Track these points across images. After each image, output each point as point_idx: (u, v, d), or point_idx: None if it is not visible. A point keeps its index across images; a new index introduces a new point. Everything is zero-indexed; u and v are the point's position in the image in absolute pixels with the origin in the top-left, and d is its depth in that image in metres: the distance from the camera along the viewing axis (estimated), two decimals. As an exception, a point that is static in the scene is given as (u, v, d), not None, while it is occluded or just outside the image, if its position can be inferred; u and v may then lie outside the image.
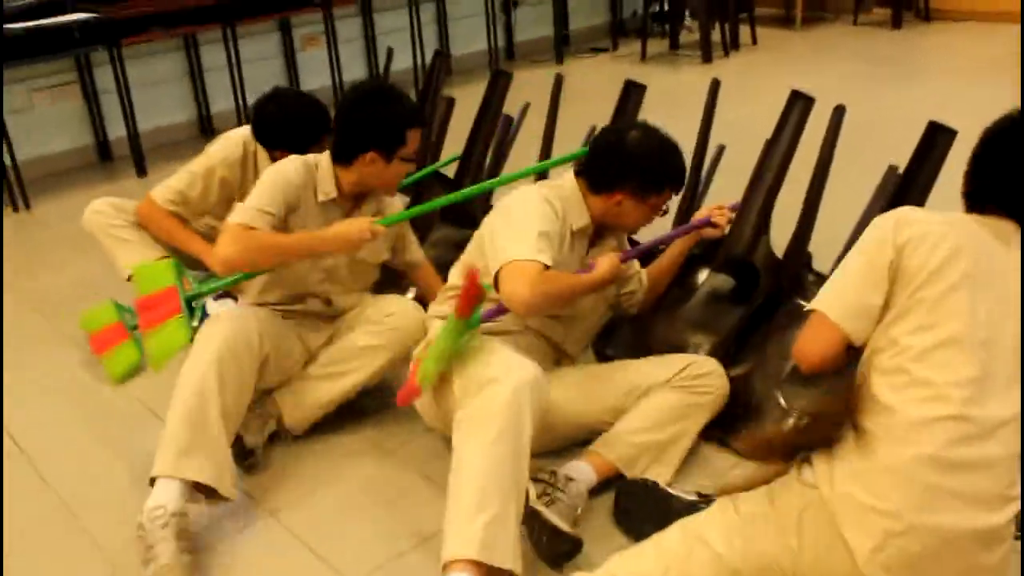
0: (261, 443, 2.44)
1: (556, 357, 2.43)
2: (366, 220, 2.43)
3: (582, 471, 2.18)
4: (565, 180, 2.34)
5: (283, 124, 2.99)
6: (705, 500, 2.04)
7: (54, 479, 2.43)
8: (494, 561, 1.78)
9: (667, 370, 2.29)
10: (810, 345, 1.75)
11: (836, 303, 1.73)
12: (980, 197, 1.77)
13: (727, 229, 2.54)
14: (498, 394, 1.89)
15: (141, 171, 4.99)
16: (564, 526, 1.98)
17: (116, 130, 5.21)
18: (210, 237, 3.02)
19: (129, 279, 2.99)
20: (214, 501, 2.16)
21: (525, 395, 1.90)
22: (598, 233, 2.38)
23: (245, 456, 2.39)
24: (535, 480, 2.07)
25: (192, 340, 2.45)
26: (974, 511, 1.58)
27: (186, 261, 3.08)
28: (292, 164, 2.46)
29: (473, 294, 2.00)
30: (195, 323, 2.58)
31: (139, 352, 2.87)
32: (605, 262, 2.23)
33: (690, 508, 1.98)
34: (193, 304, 2.65)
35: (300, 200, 2.43)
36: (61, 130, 5.14)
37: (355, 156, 2.44)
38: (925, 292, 1.64)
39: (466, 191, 2.99)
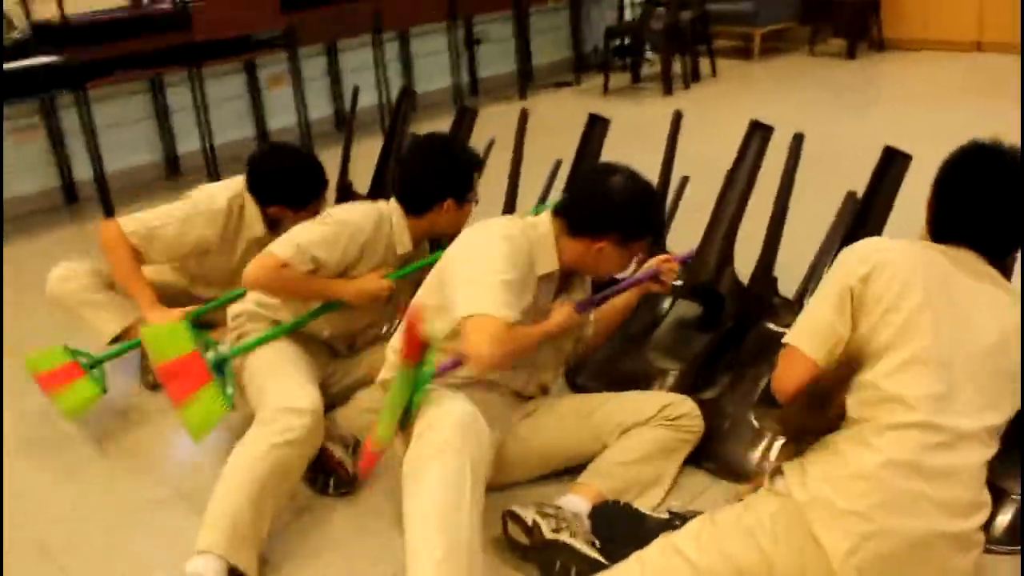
0: (354, 464, 2.42)
1: (518, 402, 2.41)
2: (384, 280, 2.56)
3: (581, 505, 2.17)
4: (540, 220, 2.28)
5: (282, 179, 2.92)
6: (678, 517, 2.07)
7: (35, 534, 2.40)
8: None
9: (648, 409, 2.31)
10: (786, 377, 1.83)
11: (805, 335, 1.81)
12: (944, 230, 1.86)
13: (671, 282, 2.48)
14: (429, 441, 1.89)
15: (108, 212, 4.96)
16: (598, 556, 1.98)
17: (82, 172, 5.20)
18: (160, 289, 2.98)
19: (112, 342, 2.95)
20: None
21: (456, 438, 1.88)
22: (565, 278, 2.34)
23: (349, 483, 2.40)
24: (543, 515, 2.08)
25: (232, 407, 2.47)
26: (945, 516, 1.64)
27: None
28: (368, 218, 2.54)
29: (414, 338, 1.93)
30: (229, 390, 2.49)
31: (97, 388, 2.75)
32: (559, 313, 2.23)
33: (664, 526, 2.02)
34: (223, 368, 2.54)
35: (371, 254, 2.54)
36: (26, 172, 5.12)
37: (431, 206, 2.58)
38: (890, 316, 1.72)
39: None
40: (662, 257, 2.48)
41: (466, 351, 2.01)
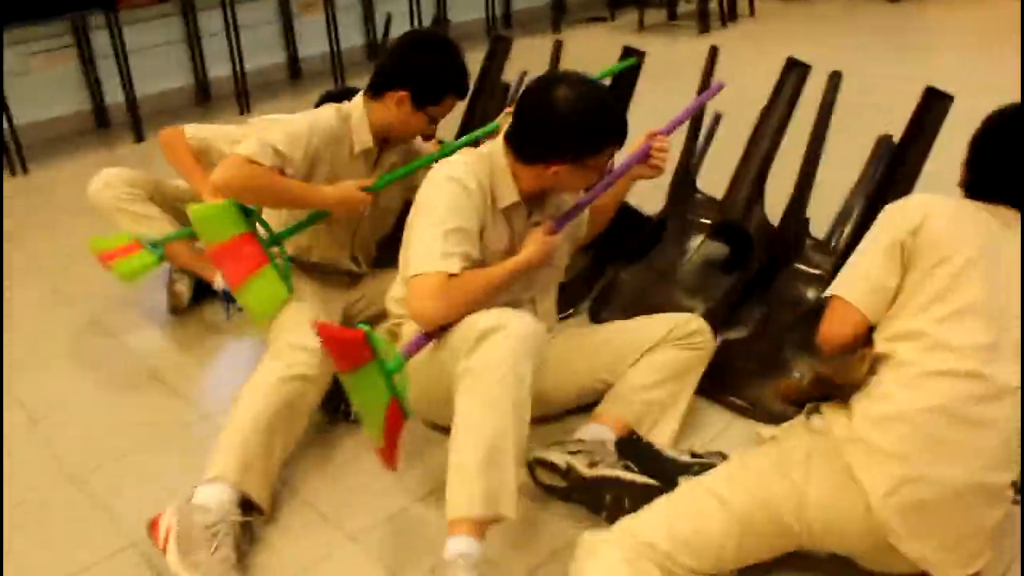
0: None
1: None
2: (361, 192, 2.45)
3: (604, 433, 2.16)
4: (494, 148, 2.13)
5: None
6: (699, 463, 2.07)
7: (60, 446, 2.43)
8: (499, 512, 1.79)
9: (658, 330, 2.29)
10: (833, 329, 1.83)
11: (854, 287, 1.81)
12: (982, 190, 1.85)
13: (665, 167, 2.27)
14: (499, 344, 1.85)
15: (139, 137, 4.98)
16: (646, 480, 1.97)
17: (113, 95, 5.19)
18: None
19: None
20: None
21: (527, 344, 1.87)
22: (535, 199, 2.18)
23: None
24: (572, 454, 2.07)
25: (291, 290, 2.42)
26: (983, 467, 1.65)
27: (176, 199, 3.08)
28: (324, 115, 2.44)
29: (341, 346, 1.84)
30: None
31: (155, 259, 2.81)
32: (530, 245, 2.09)
33: (684, 468, 2.04)
34: (277, 254, 2.51)
35: (332, 153, 2.42)
36: (58, 95, 5.12)
37: (386, 90, 2.43)
38: (942, 268, 1.73)
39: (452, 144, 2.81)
40: (648, 132, 2.23)
41: (410, 313, 2.00)
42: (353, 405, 2.07)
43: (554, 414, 2.37)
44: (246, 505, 2.03)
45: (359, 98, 2.52)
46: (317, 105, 2.87)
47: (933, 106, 2.45)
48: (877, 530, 1.66)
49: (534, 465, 2.12)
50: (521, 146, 2.07)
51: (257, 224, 2.45)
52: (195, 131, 3.03)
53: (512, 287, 2.11)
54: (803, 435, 1.78)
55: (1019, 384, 1.68)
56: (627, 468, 2.04)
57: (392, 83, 2.43)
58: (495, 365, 1.85)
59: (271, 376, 2.17)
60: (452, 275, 1.94)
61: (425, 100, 2.44)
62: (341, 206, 2.44)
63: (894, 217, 1.83)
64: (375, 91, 2.47)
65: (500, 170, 2.10)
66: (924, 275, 1.74)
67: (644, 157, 2.21)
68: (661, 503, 1.82)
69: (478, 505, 1.78)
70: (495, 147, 2.14)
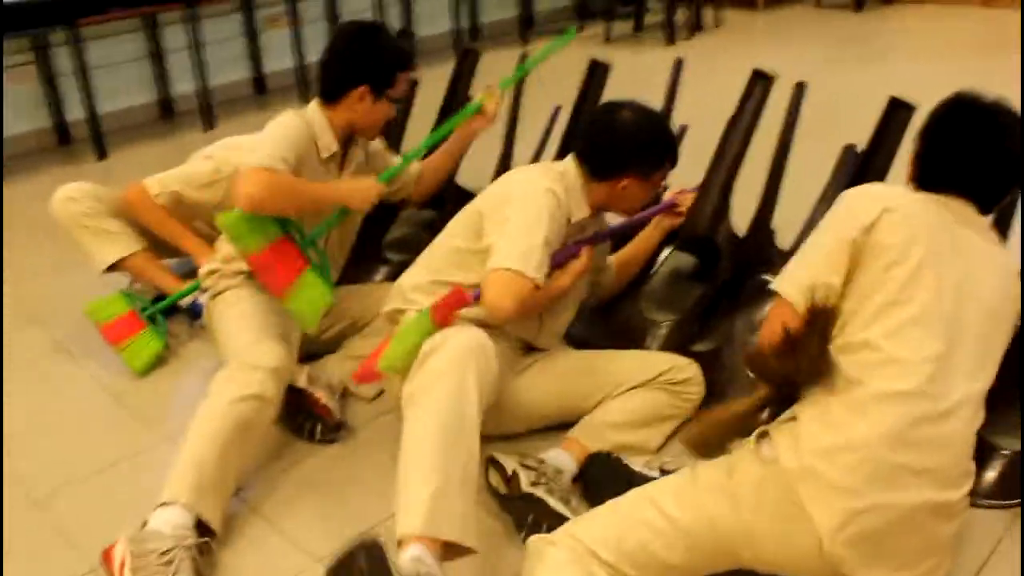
0: (341, 410, 2.42)
1: (526, 350, 2.40)
2: (376, 183, 2.52)
3: (565, 462, 2.16)
4: (567, 167, 2.29)
5: None
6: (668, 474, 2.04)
7: (21, 471, 2.38)
8: (440, 535, 1.75)
9: (650, 370, 2.29)
10: (767, 328, 1.79)
11: (793, 284, 1.76)
12: (933, 180, 1.81)
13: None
14: (435, 365, 1.88)
15: (101, 154, 4.92)
16: (569, 514, 1.97)
17: (75, 112, 5.12)
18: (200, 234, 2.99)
19: (105, 271, 2.95)
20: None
21: (466, 361, 1.88)
22: (592, 218, 2.36)
23: (336, 428, 2.38)
24: (524, 467, 2.08)
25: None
26: (934, 488, 1.62)
27: (165, 250, 3.05)
28: (291, 119, 2.44)
29: (458, 306, 2.02)
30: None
31: (161, 342, 2.81)
32: (575, 265, 2.25)
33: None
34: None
35: (305, 156, 2.42)
36: (18, 113, 5.05)
37: (344, 92, 2.47)
38: (893, 271, 1.67)
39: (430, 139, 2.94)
40: (677, 190, 2.51)
41: (485, 298, 2.03)
42: (405, 332, 2.09)
43: (531, 429, 2.35)
44: (202, 528, 1.99)
45: (314, 106, 2.52)
46: None
47: (896, 116, 2.46)
48: (831, 563, 1.63)
49: (489, 464, 2.13)
50: (596, 164, 2.26)
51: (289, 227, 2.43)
52: (159, 185, 2.95)
53: None
54: (752, 463, 1.72)
55: (973, 391, 1.65)
56: (566, 503, 2.03)
57: (348, 84, 2.46)
58: (434, 383, 1.85)
59: (224, 397, 2.14)
60: (537, 287, 2.05)
61: (383, 87, 2.48)
62: (356, 198, 2.49)
63: (849, 210, 1.77)
64: (332, 97, 2.49)
65: (574, 188, 2.26)
66: (875, 279, 1.69)
67: (671, 207, 2.54)
68: (607, 512, 1.78)
69: (419, 523, 1.74)
70: (567, 167, 2.28)
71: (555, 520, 1.95)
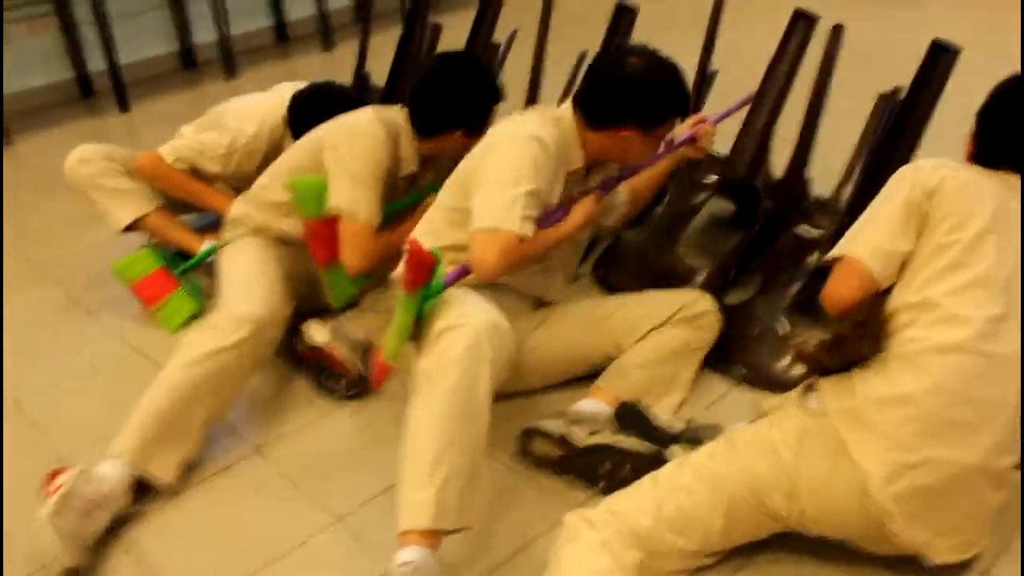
0: (365, 366, 2.39)
1: (537, 306, 2.35)
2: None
3: (603, 408, 2.13)
4: (564, 113, 2.17)
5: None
6: (693, 434, 2.01)
7: (49, 432, 2.37)
8: (447, 526, 1.73)
9: (665, 309, 2.25)
10: (840, 289, 1.75)
11: (866, 248, 1.73)
12: (992, 158, 1.80)
13: (710, 147, 2.39)
14: (453, 343, 1.81)
15: (123, 106, 4.87)
16: (642, 449, 1.95)
17: (96, 64, 5.06)
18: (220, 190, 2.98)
19: (123, 232, 2.93)
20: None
21: (482, 342, 1.81)
22: (587, 169, 2.25)
23: (358, 383, 2.37)
24: (570, 424, 2.04)
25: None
26: (987, 449, 1.58)
27: (181, 207, 3.02)
28: (378, 138, 2.39)
29: (422, 266, 1.89)
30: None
31: (196, 303, 2.79)
32: (580, 209, 2.13)
33: (675, 439, 1.99)
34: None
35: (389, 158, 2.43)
36: (39, 64, 4.99)
37: (441, 132, 2.47)
38: (957, 234, 1.66)
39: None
40: (697, 117, 2.35)
41: (471, 260, 1.96)
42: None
43: (551, 384, 2.32)
44: (144, 484, 2.04)
45: (405, 125, 2.49)
46: (292, 108, 2.88)
47: (939, 60, 2.34)
48: (873, 516, 1.60)
49: (528, 436, 2.08)
50: (595, 112, 2.11)
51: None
52: (174, 153, 2.90)
53: None
54: (797, 415, 1.70)
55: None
56: (627, 437, 1.99)
57: (445, 125, 2.47)
58: (447, 368, 1.79)
59: (199, 348, 2.14)
60: (523, 239, 1.95)
61: (478, 127, 2.45)
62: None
63: (909, 178, 1.76)
64: (427, 133, 2.49)
65: (570, 135, 2.13)
66: (938, 242, 1.67)
67: (691, 141, 2.32)
68: (647, 482, 1.76)
69: (424, 517, 1.72)
70: (564, 113, 2.16)
71: (634, 460, 1.94)
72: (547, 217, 2.10)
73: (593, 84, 2.14)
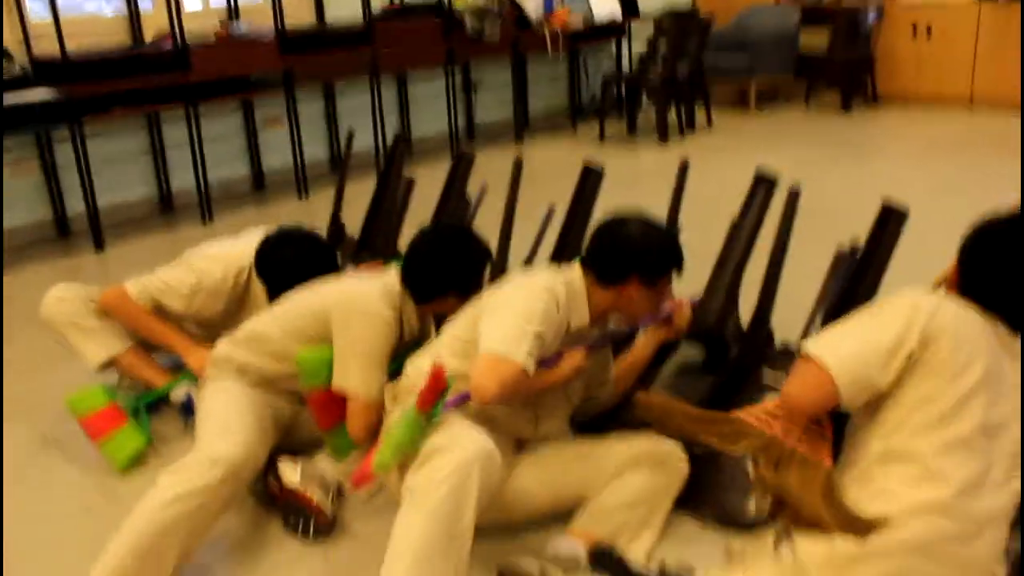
0: (334, 509, 2.40)
1: (518, 445, 2.40)
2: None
3: (577, 548, 2.15)
4: (574, 273, 2.33)
5: (297, 270, 2.82)
6: (666, 574, 2.03)
7: (14, 569, 2.33)
8: None
9: (634, 451, 2.30)
10: (805, 391, 1.72)
11: (843, 364, 1.68)
12: (976, 295, 1.77)
13: (683, 328, 2.52)
14: (443, 465, 1.87)
15: (99, 246, 4.95)
16: None
17: (75, 205, 5.17)
18: (186, 329, 3.02)
19: (99, 370, 2.96)
20: None
21: (472, 467, 1.87)
22: (592, 326, 2.37)
23: (328, 527, 2.37)
24: (548, 564, 2.06)
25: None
26: None
27: (152, 346, 3.05)
28: (388, 322, 2.48)
29: (438, 389, 1.98)
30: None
31: (144, 437, 2.79)
32: (569, 360, 2.25)
33: None
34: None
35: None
36: (19, 204, 5.09)
37: (437, 297, 2.58)
38: (949, 388, 1.64)
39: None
40: (673, 301, 2.50)
41: (472, 379, 2.02)
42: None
43: (524, 521, 2.34)
44: None
45: (404, 292, 2.59)
46: (260, 252, 2.93)
47: (889, 222, 2.50)
48: None
49: (503, 572, 2.09)
50: (603, 271, 2.29)
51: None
52: (139, 288, 2.96)
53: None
54: (771, 567, 1.71)
55: (1000, 508, 1.65)
56: None
57: (441, 292, 2.57)
58: (437, 484, 1.84)
59: (168, 491, 2.13)
60: (525, 374, 2.03)
61: (469, 291, 2.56)
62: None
63: (907, 315, 1.70)
64: (424, 299, 2.60)
65: (577, 294, 2.30)
66: (925, 394, 1.65)
67: (668, 320, 2.48)
68: None
69: None
70: (573, 274, 2.33)
71: None
72: (540, 362, 2.19)
73: (599, 247, 2.34)
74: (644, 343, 2.56)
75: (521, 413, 2.29)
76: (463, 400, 2.12)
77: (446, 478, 1.84)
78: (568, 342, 2.28)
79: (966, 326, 1.71)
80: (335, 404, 2.47)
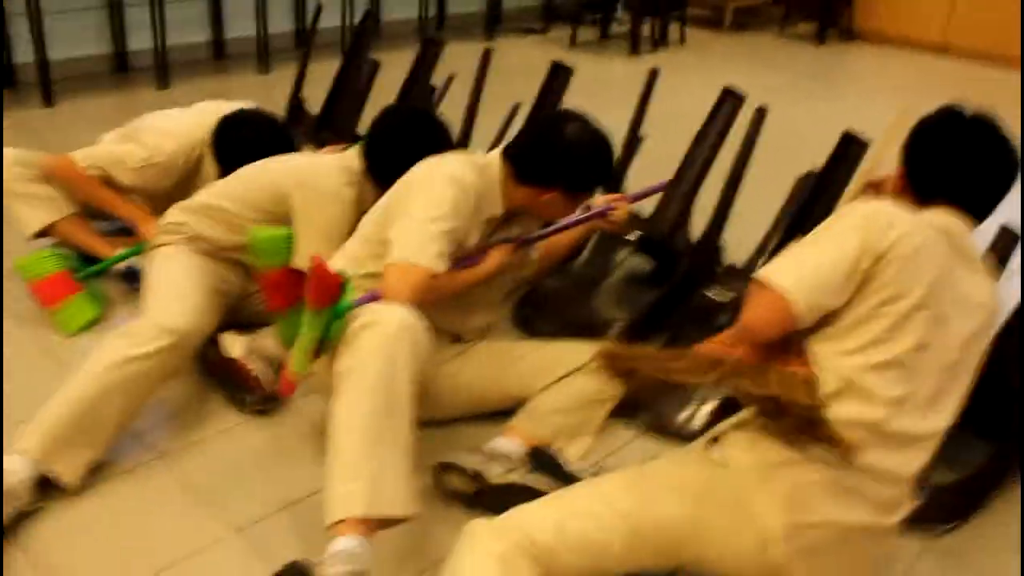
0: (276, 384, 2.39)
1: (454, 341, 2.39)
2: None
3: (516, 447, 2.17)
4: (490, 160, 2.24)
5: (254, 152, 2.73)
6: (599, 475, 2.06)
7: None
8: (382, 513, 1.75)
9: (578, 358, 2.32)
10: (761, 315, 1.69)
11: (799, 289, 1.65)
12: (928, 192, 1.77)
13: (621, 226, 2.48)
14: (370, 338, 1.86)
15: (48, 100, 4.79)
16: (548, 490, 1.95)
17: (23, 55, 4.97)
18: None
19: (34, 237, 2.90)
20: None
21: (400, 334, 1.86)
22: (506, 217, 2.30)
23: (267, 400, 2.37)
24: (484, 461, 2.08)
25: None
26: (878, 513, 1.68)
27: (91, 212, 3.00)
28: (347, 202, 2.44)
29: (323, 285, 1.91)
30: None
31: (98, 308, 2.76)
32: (494, 256, 2.22)
33: None
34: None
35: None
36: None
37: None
38: (889, 308, 1.63)
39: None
40: (614, 196, 2.46)
41: (383, 290, 2.00)
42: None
43: (463, 416, 2.36)
44: (46, 482, 2.02)
45: (364, 172, 2.52)
46: (219, 132, 2.88)
47: (849, 150, 2.51)
48: (770, 569, 1.66)
49: (441, 470, 2.11)
50: (525, 168, 2.19)
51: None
52: (89, 159, 2.88)
53: None
54: (702, 464, 1.75)
55: (929, 431, 1.69)
56: (537, 478, 2.03)
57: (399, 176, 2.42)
58: (366, 361, 1.84)
59: (117, 353, 2.13)
60: (434, 275, 2.00)
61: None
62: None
63: (860, 233, 1.65)
64: (386, 182, 2.38)
65: (492, 183, 2.20)
66: (869, 312, 1.64)
67: (604, 214, 2.42)
68: (554, 499, 1.79)
69: (358, 504, 1.74)
70: (490, 160, 2.22)
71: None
72: (463, 259, 2.17)
73: (529, 142, 2.22)
74: (581, 230, 2.51)
75: (448, 307, 2.25)
76: (372, 299, 2.05)
77: (375, 351, 1.84)
78: (495, 230, 2.25)
79: (916, 232, 1.66)
80: (288, 286, 2.42)
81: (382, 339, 1.85)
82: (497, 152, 2.26)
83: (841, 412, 1.65)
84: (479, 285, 2.25)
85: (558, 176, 2.18)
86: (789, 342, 1.75)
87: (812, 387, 1.66)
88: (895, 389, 1.64)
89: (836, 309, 1.67)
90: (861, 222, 1.68)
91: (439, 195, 2.07)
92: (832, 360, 1.68)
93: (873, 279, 1.64)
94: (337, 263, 2.24)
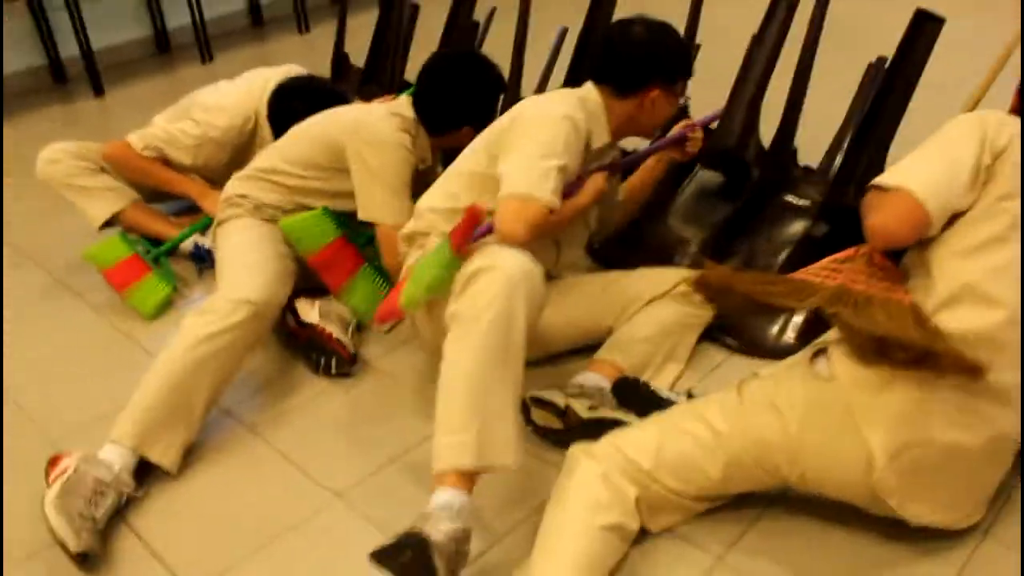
0: (355, 344, 2.42)
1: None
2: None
3: (603, 381, 2.14)
4: (587, 91, 2.21)
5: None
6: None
7: (35, 411, 2.35)
8: (491, 463, 1.73)
9: (664, 284, 2.29)
10: (893, 222, 1.63)
11: (928, 189, 1.60)
12: None
13: (696, 151, 2.43)
14: (488, 283, 1.79)
15: (98, 91, 4.81)
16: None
17: (69, 49, 4.99)
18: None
19: (101, 228, 2.94)
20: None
21: (518, 284, 1.79)
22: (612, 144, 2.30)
23: (351, 362, 2.37)
24: (573, 396, 2.05)
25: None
26: (992, 434, 1.60)
27: (153, 194, 3.03)
28: (404, 148, 2.44)
29: (474, 226, 1.93)
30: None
31: (170, 286, 2.78)
32: (592, 184, 2.17)
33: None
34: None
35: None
36: (11, 50, 4.92)
37: (451, 130, 2.53)
38: (1006, 203, 1.59)
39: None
40: (685, 122, 2.41)
41: (499, 226, 1.95)
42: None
43: (550, 355, 2.34)
44: (144, 467, 2.05)
45: (416, 121, 2.53)
46: (272, 103, 2.88)
47: (923, 29, 2.36)
48: (877, 488, 1.61)
49: (530, 404, 2.08)
50: (621, 79, 2.18)
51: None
52: (144, 141, 2.92)
53: None
54: (805, 379, 1.68)
55: None
56: (626, 413, 2.01)
57: (455, 125, 2.53)
58: (483, 307, 1.77)
59: (195, 333, 2.13)
60: (551, 211, 1.97)
61: (486, 121, 2.35)
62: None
63: (979, 131, 1.63)
64: (438, 132, 2.54)
65: (596, 113, 2.19)
66: (989, 207, 1.59)
67: (681, 142, 2.39)
68: (653, 423, 1.77)
69: (467, 456, 1.71)
70: (586, 93, 2.21)
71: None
72: (564, 192, 2.12)
73: (613, 56, 2.21)
74: (653, 163, 2.49)
75: (542, 244, 2.20)
76: (487, 233, 2.03)
77: (492, 300, 1.77)
78: (585, 166, 2.20)
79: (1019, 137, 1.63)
80: (339, 261, 2.46)
81: (501, 285, 1.79)
82: (589, 83, 2.23)
83: (954, 321, 1.56)
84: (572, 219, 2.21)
85: (652, 72, 2.18)
86: (891, 270, 1.67)
87: (920, 315, 1.58)
88: (1013, 294, 1.56)
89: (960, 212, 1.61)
90: (976, 121, 1.65)
91: (551, 133, 2.05)
92: (949, 263, 1.60)
93: (994, 177, 1.60)
94: (435, 196, 2.23)
